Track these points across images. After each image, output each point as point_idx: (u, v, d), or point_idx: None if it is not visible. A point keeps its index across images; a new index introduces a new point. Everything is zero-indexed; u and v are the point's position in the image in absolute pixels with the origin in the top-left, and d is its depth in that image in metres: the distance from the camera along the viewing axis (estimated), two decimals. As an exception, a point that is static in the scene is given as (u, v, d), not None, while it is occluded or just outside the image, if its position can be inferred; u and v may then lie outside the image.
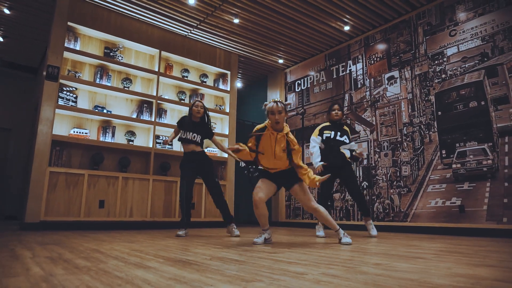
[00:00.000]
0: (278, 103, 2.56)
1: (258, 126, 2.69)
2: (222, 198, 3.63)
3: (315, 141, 3.69)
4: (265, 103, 2.65)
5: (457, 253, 2.16)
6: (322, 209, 2.70)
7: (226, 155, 5.67)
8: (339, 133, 3.68)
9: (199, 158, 3.60)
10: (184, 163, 3.61)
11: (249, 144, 2.66)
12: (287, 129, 2.65)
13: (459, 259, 1.89)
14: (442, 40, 4.38)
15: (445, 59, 4.32)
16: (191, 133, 3.58)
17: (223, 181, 5.52)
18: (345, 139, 3.67)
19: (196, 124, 3.63)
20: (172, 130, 5.21)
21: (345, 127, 3.80)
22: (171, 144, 5.17)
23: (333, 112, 3.74)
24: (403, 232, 4.36)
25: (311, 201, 2.66)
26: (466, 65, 4.11)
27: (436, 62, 4.40)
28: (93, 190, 4.32)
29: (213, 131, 3.86)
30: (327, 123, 3.79)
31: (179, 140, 3.66)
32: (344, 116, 5.43)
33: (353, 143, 3.82)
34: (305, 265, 1.61)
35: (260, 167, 2.76)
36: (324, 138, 3.67)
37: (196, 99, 3.80)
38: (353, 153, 3.70)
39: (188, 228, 3.53)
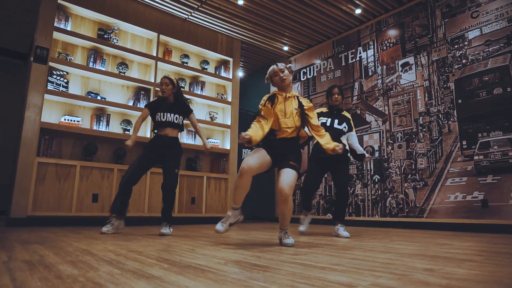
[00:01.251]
0: (278, 64, 2.44)
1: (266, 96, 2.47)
2: (173, 195, 3.03)
3: None
4: (267, 75, 2.48)
5: (505, 254, 1.87)
6: (291, 202, 2.24)
7: (228, 147, 5.35)
8: (336, 121, 3.21)
9: (169, 144, 3.05)
10: (149, 144, 3.05)
11: (262, 113, 2.36)
12: (296, 93, 2.48)
13: (517, 262, 1.60)
14: (463, 23, 4.07)
15: (466, 43, 4.02)
16: (171, 114, 3.05)
17: (225, 174, 5.20)
18: (344, 127, 3.21)
19: (173, 104, 3.12)
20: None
21: (345, 113, 3.33)
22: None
23: (333, 97, 3.28)
24: (419, 228, 4.08)
25: (291, 188, 2.18)
26: (490, 49, 3.81)
27: (456, 46, 4.09)
28: (85, 183, 3.98)
29: (194, 111, 3.25)
30: (324, 109, 3.35)
31: (154, 127, 3.11)
32: (354, 106, 5.12)
33: (356, 143, 3.28)
34: (343, 272, 1.30)
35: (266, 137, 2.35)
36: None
37: (164, 75, 3.19)
38: (362, 158, 3.24)
39: (122, 220, 2.97)
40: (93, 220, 3.99)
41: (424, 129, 4.27)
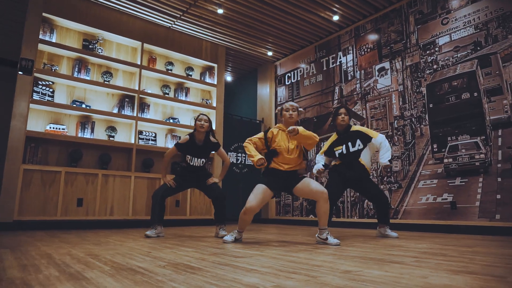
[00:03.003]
0: (293, 102, 3.03)
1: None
2: (225, 203, 3.35)
3: (318, 160, 3.37)
4: (279, 107, 2.85)
5: (441, 256, 1.99)
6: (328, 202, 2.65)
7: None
8: (350, 144, 3.17)
9: (199, 171, 3.36)
10: (182, 173, 3.36)
11: (255, 140, 2.75)
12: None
13: (440, 263, 1.72)
14: (434, 29, 4.18)
15: (437, 48, 4.13)
16: (199, 159, 3.31)
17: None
18: (359, 145, 3.14)
19: (202, 146, 3.32)
20: (156, 125, 5.05)
21: (353, 128, 3.25)
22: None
23: (339, 117, 3.23)
24: (394, 229, 4.19)
25: (322, 187, 2.63)
26: (459, 55, 3.92)
27: (428, 52, 4.21)
28: (70, 188, 4.15)
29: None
30: (334, 137, 3.32)
31: (182, 167, 3.38)
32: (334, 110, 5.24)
33: (383, 143, 3.16)
34: (264, 274, 1.44)
35: (270, 167, 2.72)
36: (337, 156, 3.23)
37: (201, 113, 3.45)
38: (381, 167, 3.19)
39: (162, 226, 3.26)
40: (78, 224, 4.17)
41: (399, 133, 4.38)
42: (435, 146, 4.01)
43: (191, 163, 3.31)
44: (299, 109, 2.79)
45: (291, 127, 2.56)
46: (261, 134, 2.77)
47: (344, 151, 3.19)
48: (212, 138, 3.38)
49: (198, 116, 3.37)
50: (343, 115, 3.22)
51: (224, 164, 3.43)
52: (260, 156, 2.59)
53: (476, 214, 3.54)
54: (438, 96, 4.04)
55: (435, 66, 4.12)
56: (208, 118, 3.39)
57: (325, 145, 3.38)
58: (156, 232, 3.19)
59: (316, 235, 2.71)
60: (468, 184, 3.67)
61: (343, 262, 1.76)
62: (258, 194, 2.62)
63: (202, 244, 2.63)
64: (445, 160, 3.89)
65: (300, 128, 2.59)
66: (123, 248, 2.28)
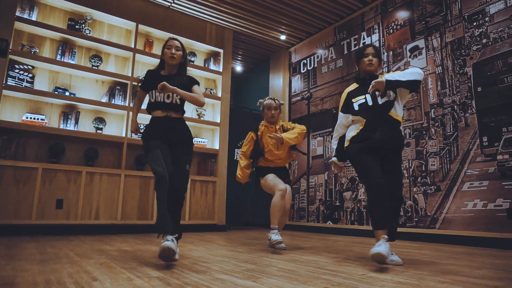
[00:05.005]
0: (275, 100, 2.96)
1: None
2: (183, 200, 2.16)
3: (338, 123, 2.43)
4: (260, 100, 3.03)
5: (475, 286, 1.26)
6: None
7: (217, 147, 4.86)
8: (377, 93, 2.17)
9: (175, 126, 2.23)
10: (150, 133, 2.21)
11: (246, 148, 2.92)
12: (281, 122, 3.00)
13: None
14: (483, -5, 3.39)
15: (487, 19, 3.33)
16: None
17: (213, 177, 4.72)
18: (391, 94, 2.16)
19: (172, 76, 2.26)
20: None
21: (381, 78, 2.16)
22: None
23: (365, 59, 2.23)
24: (430, 241, 3.43)
25: (289, 204, 2.84)
26: (517, 24, 3.11)
27: (475, 24, 3.42)
28: (48, 188, 3.60)
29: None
30: (353, 86, 2.35)
31: (148, 108, 2.29)
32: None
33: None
34: None
35: (261, 165, 2.91)
36: (357, 108, 2.21)
37: (171, 37, 2.34)
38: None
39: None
40: (57, 229, 3.61)
41: (437, 124, 3.61)
42: (485, 139, 3.22)
43: (157, 99, 2.19)
44: (282, 102, 3.00)
45: (275, 135, 2.69)
46: (250, 137, 2.93)
47: (370, 102, 2.16)
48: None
49: (167, 41, 2.28)
50: (370, 57, 2.22)
51: (198, 101, 2.24)
52: (242, 175, 2.89)
53: (543, 226, 2.74)
54: (489, 77, 3.25)
55: (484, 41, 3.32)
56: (182, 44, 2.30)
57: (341, 100, 2.37)
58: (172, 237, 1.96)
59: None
60: (531, 187, 2.87)
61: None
62: (273, 177, 2.77)
63: (182, 263, 1.97)
64: (499, 157, 3.09)
65: (284, 136, 2.70)
66: (55, 261, 1.66)
